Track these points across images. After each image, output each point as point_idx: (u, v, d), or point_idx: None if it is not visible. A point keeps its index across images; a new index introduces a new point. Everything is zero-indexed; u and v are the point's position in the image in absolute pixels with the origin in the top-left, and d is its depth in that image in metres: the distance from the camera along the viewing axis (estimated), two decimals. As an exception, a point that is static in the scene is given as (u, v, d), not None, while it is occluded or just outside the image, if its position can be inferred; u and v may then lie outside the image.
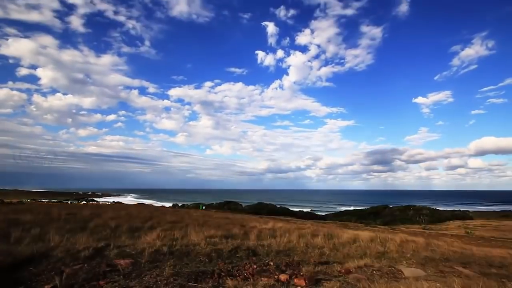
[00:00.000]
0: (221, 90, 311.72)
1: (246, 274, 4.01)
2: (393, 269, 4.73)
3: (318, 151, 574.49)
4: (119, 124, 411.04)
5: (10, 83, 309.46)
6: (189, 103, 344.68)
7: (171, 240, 5.84)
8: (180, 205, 58.94)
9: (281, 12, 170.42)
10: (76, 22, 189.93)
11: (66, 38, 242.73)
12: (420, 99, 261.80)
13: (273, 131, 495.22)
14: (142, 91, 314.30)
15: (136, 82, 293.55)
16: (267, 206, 50.15)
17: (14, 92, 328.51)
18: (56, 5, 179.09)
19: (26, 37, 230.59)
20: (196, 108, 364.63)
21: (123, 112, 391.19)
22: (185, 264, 4.28)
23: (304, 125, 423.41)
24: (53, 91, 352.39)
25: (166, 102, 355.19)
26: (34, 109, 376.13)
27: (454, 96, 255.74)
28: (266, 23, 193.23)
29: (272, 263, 4.75)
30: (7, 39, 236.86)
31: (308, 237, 7.85)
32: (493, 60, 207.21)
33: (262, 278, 3.83)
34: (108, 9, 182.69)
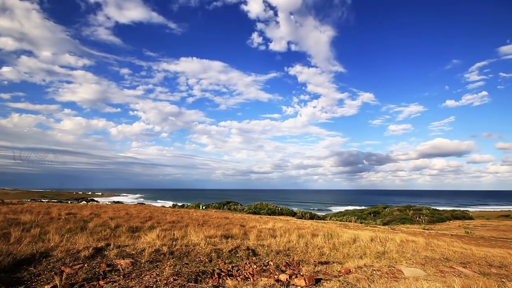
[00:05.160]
0: (254, 123, 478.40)
1: (246, 274, 4.01)
2: (393, 269, 4.73)
3: (316, 157, 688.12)
4: (167, 139, 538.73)
5: (114, 119, 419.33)
6: (230, 128, 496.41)
7: (171, 240, 5.84)
8: (180, 205, 58.87)
9: (301, 96, 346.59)
10: (189, 100, 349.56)
11: (177, 103, 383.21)
12: (391, 127, 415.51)
13: (284, 144, 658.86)
14: (202, 122, 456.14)
15: (202, 118, 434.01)
16: (267, 206, 50.03)
17: (110, 123, 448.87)
18: (186, 94, 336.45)
19: (154, 101, 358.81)
20: (232, 131, 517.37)
21: (175, 132, 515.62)
22: (185, 264, 4.28)
23: (308, 141, 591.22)
24: (139, 122, 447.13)
25: (214, 128, 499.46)
26: (115, 131, 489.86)
27: (414, 127, 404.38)
28: (293, 97, 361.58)
29: (272, 263, 4.76)
30: (138, 103, 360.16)
31: (308, 237, 7.86)
32: (428, 112, 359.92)
33: (262, 278, 3.83)
34: (210, 97, 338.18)
